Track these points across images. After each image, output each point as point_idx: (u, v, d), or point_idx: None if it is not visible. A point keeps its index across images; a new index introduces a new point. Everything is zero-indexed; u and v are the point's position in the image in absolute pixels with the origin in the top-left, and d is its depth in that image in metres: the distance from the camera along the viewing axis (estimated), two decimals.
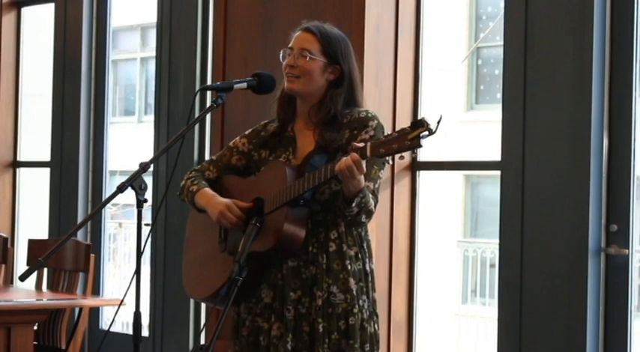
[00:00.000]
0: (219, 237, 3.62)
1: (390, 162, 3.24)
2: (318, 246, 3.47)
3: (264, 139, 3.64)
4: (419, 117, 3.16)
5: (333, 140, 3.48)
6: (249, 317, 3.55)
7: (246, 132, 3.71)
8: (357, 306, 3.45)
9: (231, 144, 3.72)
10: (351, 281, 3.46)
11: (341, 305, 3.44)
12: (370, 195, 3.38)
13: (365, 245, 3.54)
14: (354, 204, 3.32)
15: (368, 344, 3.47)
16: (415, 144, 3.13)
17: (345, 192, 3.32)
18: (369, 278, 3.53)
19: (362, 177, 3.29)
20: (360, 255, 3.51)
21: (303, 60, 3.51)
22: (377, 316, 3.54)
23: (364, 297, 3.49)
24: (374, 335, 3.50)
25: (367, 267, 3.52)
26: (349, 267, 3.47)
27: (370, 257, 3.55)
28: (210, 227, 3.63)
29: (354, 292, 3.46)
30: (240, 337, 3.57)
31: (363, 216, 3.40)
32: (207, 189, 3.62)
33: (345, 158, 3.24)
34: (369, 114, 3.53)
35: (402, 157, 3.19)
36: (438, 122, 3.11)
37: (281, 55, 3.57)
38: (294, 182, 3.39)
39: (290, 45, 3.55)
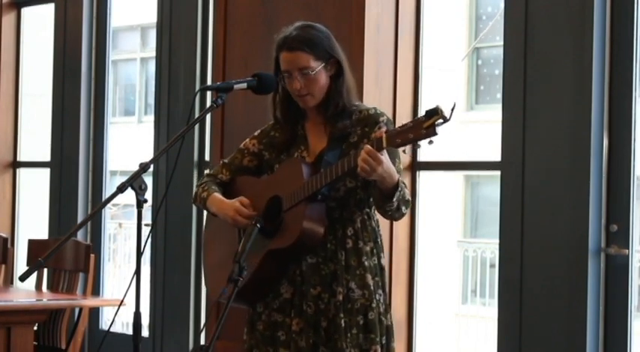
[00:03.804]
0: (238, 237, 3.64)
1: (407, 152, 3.26)
2: (336, 243, 3.51)
3: (276, 140, 3.65)
4: (434, 106, 3.17)
5: (344, 127, 3.51)
6: (265, 312, 3.57)
7: (256, 133, 3.73)
8: (374, 301, 3.50)
9: (241, 146, 3.74)
10: (368, 276, 3.50)
11: (360, 301, 3.48)
12: (404, 186, 3.41)
13: (379, 240, 3.59)
14: (394, 199, 3.35)
15: (385, 337, 3.52)
16: (431, 133, 3.15)
17: (382, 189, 3.35)
18: (384, 273, 3.58)
19: (390, 169, 3.29)
20: (375, 251, 3.55)
21: (307, 78, 3.50)
22: (390, 308, 3.59)
23: (380, 291, 3.53)
24: (390, 328, 3.55)
25: (382, 262, 3.58)
26: (366, 263, 3.51)
27: (383, 251, 3.61)
28: (227, 228, 3.65)
29: (372, 287, 3.50)
30: (255, 331, 3.59)
31: (403, 208, 3.43)
32: (216, 195, 3.63)
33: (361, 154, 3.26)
34: (378, 111, 3.57)
35: (417, 146, 3.20)
36: (452, 109, 3.13)
37: (282, 81, 3.54)
38: (311, 178, 3.42)
39: (285, 68, 3.51)
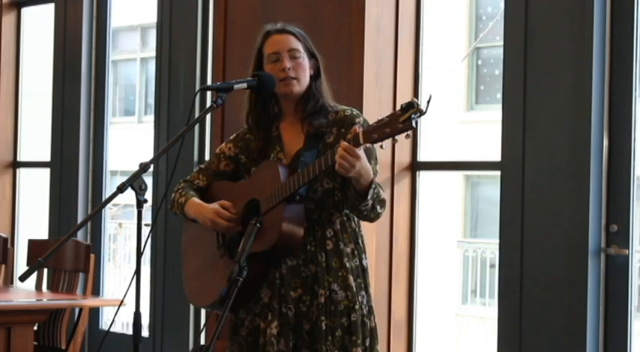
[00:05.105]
0: (217, 242, 3.63)
1: (384, 147, 3.25)
2: (315, 245, 3.49)
3: (251, 146, 3.64)
4: (409, 100, 3.18)
5: (320, 125, 3.52)
6: (248, 318, 3.55)
7: (231, 137, 3.73)
8: (357, 303, 3.48)
9: (217, 150, 3.74)
10: (350, 278, 3.49)
11: (343, 303, 3.47)
12: (378, 185, 3.41)
13: (360, 241, 3.57)
14: (368, 197, 3.35)
15: (368, 339, 3.50)
16: (407, 126, 3.16)
17: (357, 188, 3.34)
18: (366, 274, 3.56)
19: (367, 166, 3.30)
20: (356, 252, 3.54)
21: (296, 60, 3.53)
22: (373, 310, 3.57)
23: (363, 293, 3.52)
24: (374, 330, 3.53)
25: (363, 263, 3.56)
26: (347, 265, 3.50)
27: (365, 252, 3.58)
28: (206, 234, 3.63)
29: (354, 289, 3.49)
30: (238, 337, 3.58)
31: (379, 207, 3.43)
32: (194, 199, 3.62)
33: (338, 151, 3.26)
34: (354, 112, 3.58)
35: (395, 141, 3.20)
36: (428, 102, 3.14)
37: (270, 61, 3.55)
38: (288, 179, 3.42)
39: (274, 50, 3.54)
